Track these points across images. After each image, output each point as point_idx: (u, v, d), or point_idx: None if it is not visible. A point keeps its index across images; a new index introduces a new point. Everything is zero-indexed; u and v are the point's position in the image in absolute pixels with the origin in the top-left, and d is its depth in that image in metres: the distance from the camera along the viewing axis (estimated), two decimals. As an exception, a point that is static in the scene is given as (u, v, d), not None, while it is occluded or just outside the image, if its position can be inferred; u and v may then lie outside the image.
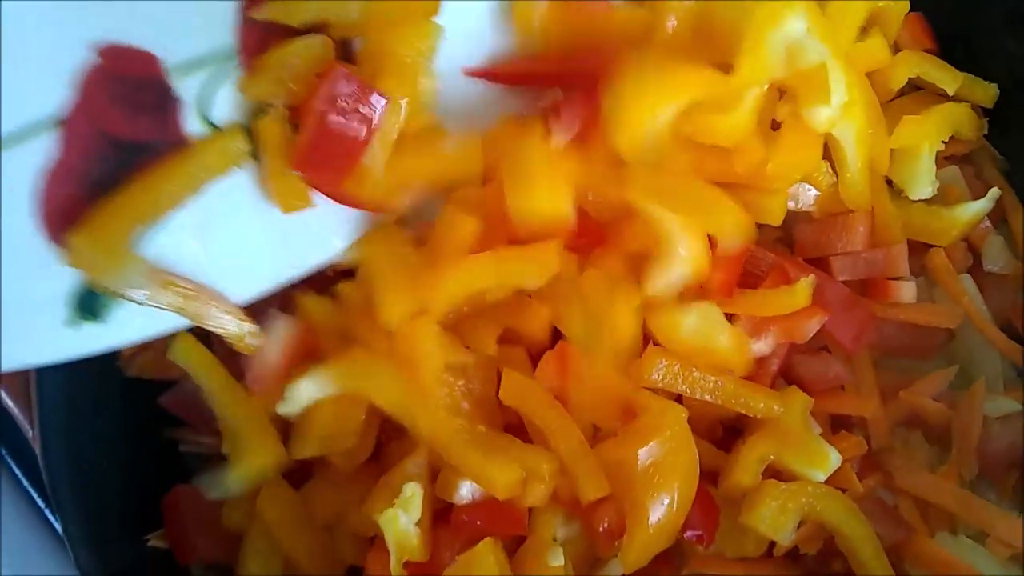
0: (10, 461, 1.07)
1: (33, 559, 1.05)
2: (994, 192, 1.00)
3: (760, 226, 0.95)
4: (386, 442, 0.88)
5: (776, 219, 0.92)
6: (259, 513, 0.86)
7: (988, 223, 1.02)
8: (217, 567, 0.92)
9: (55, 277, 0.71)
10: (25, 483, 1.07)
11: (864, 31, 1.00)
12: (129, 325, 0.75)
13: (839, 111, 0.90)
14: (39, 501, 1.07)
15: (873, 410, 0.93)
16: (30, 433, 0.85)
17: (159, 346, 0.92)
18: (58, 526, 1.04)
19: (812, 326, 0.88)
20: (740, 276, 0.89)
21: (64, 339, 0.71)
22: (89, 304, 0.73)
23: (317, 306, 0.88)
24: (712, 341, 0.87)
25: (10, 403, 0.86)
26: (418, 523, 0.80)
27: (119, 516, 0.86)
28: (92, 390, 0.89)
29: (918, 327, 0.97)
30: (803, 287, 0.87)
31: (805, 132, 0.91)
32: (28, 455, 1.08)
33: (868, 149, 0.94)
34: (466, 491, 0.83)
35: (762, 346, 0.89)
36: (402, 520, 0.79)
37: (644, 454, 0.83)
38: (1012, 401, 0.96)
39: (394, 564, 0.80)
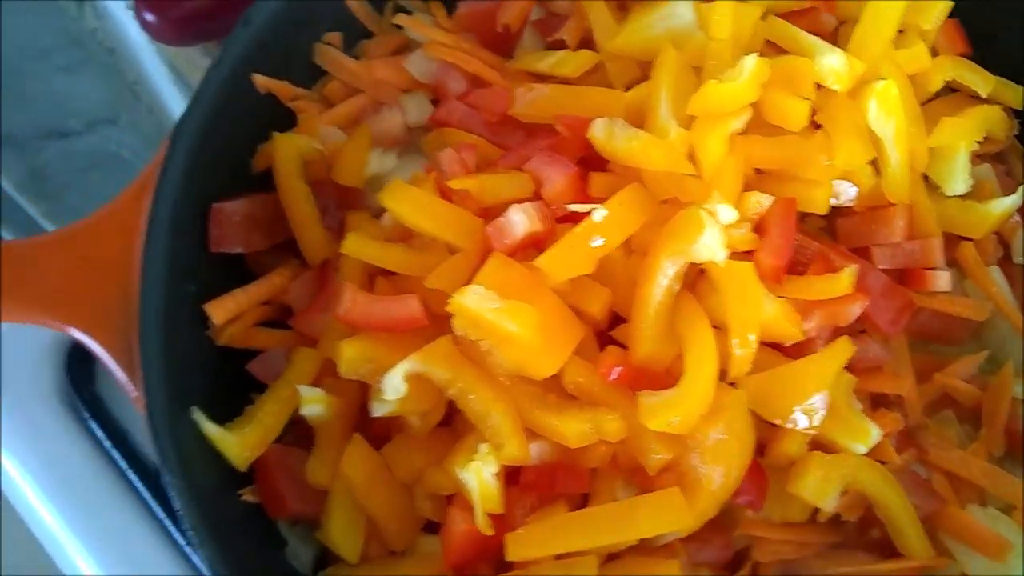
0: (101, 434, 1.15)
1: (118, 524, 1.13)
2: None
3: (806, 217, 1.01)
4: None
5: (821, 208, 0.97)
6: (343, 472, 0.92)
7: (1018, 217, 1.08)
8: (302, 523, 0.98)
9: None
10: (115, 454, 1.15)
11: (903, 35, 1.06)
12: None
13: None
14: (127, 469, 1.15)
15: (909, 389, 0.99)
16: (133, 393, 0.91)
17: (247, 319, 1.01)
18: (142, 489, 1.13)
19: (855, 310, 0.93)
20: (788, 263, 0.94)
21: None
22: None
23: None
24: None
25: (112, 365, 0.93)
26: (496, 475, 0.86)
27: (216, 471, 0.93)
28: (188, 357, 0.95)
29: (952, 315, 1.02)
30: (847, 275, 0.93)
31: (854, 121, 0.97)
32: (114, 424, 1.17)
33: (908, 147, 1.00)
34: (535, 452, 0.89)
35: (809, 327, 0.94)
36: (485, 472, 0.85)
37: (713, 433, 0.89)
38: (1039, 384, 1.02)
39: (479, 514, 0.86)
